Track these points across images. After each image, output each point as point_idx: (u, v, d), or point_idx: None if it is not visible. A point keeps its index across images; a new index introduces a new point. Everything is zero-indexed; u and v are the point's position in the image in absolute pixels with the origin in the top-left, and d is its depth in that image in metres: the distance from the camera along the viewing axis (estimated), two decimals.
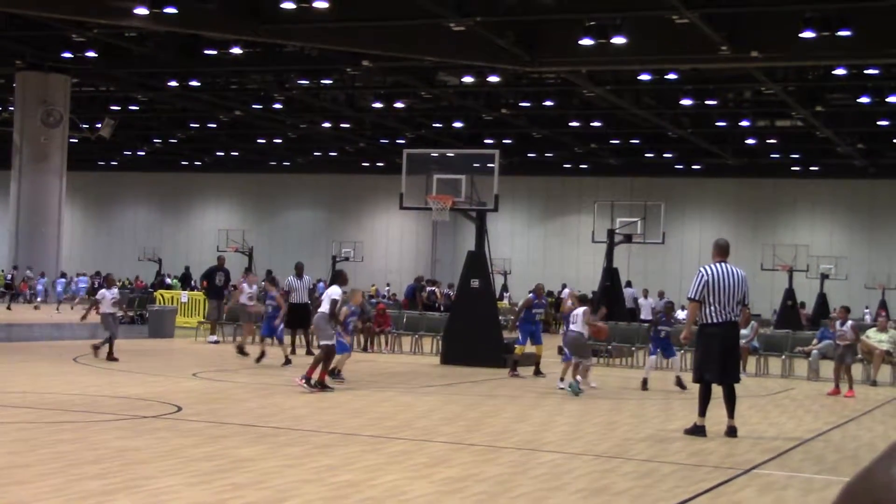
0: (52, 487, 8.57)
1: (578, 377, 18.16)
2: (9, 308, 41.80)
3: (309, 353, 25.11)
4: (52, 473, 9.15)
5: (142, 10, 29.71)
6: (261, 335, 23.29)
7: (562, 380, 18.62)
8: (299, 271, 26.09)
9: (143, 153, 67.49)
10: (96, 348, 21.21)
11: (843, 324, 21.61)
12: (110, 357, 21.00)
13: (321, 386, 16.58)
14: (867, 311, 50.90)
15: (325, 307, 17.18)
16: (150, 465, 9.77)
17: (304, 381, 16.56)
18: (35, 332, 27.76)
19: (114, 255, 69.54)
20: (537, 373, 21.55)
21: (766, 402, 18.49)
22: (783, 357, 25.22)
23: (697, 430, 13.40)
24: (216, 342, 27.55)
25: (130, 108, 52.27)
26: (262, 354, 22.11)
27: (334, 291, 17.31)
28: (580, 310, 18.52)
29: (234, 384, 17.61)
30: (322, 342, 17.11)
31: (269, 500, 8.45)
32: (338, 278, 18.12)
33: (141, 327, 31.60)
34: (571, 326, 18.63)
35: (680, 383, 19.50)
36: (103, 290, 22.18)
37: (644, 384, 19.72)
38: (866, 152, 53.28)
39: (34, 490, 8.46)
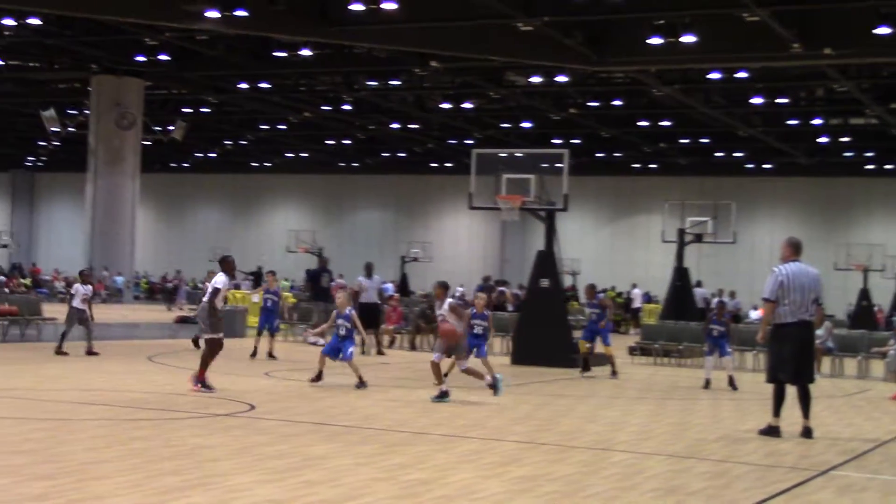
0: (130, 483, 8.68)
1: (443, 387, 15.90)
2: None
3: (380, 352, 25.25)
4: (130, 469, 9.27)
5: (213, 13, 30.01)
6: (257, 329, 23.25)
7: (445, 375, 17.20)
8: (369, 271, 26.21)
9: (214, 155, 68.16)
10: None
11: None
12: (59, 351, 21.16)
13: (203, 385, 15.61)
14: None
15: (206, 297, 15.80)
16: (225, 462, 9.85)
17: (198, 385, 15.57)
18: (111, 331, 28.12)
19: (185, 255, 70.35)
20: (613, 374, 21.41)
21: (842, 403, 18.24)
22: (859, 358, 24.88)
23: (772, 431, 13.26)
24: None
25: (202, 110, 52.81)
26: (255, 352, 22.28)
27: (218, 280, 15.81)
28: (446, 303, 16.40)
29: (305, 383, 17.71)
30: (206, 336, 15.97)
31: (341, 497, 8.48)
32: (223, 264, 16.16)
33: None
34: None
35: (732, 383, 19.31)
36: (77, 285, 22.33)
37: (707, 384, 19.62)
38: None
39: (112, 485, 8.57)
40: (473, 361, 17.09)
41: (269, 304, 23.04)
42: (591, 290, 22.86)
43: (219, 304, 15.85)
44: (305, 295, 39.87)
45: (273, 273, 25.24)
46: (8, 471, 9.10)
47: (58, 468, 9.26)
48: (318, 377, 17.43)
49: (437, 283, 17.17)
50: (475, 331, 18.00)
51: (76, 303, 21.77)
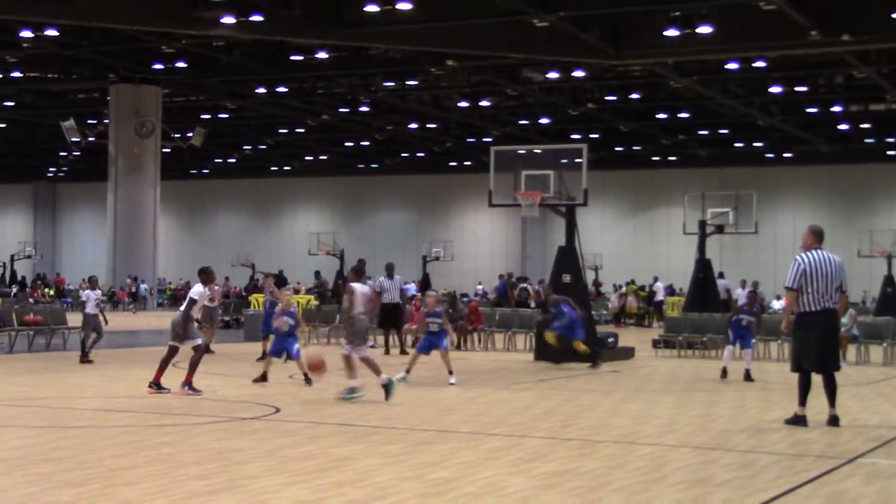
0: (158, 487, 8.72)
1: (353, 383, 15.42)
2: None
3: (403, 352, 25.25)
4: (157, 474, 9.32)
5: (229, 19, 30.12)
6: (262, 334, 23.25)
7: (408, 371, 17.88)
8: (390, 271, 26.22)
9: (234, 160, 68.39)
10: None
11: None
12: (84, 360, 21.30)
13: (190, 388, 15.77)
14: None
15: (182, 307, 16.15)
16: (252, 465, 9.88)
17: (185, 388, 15.73)
18: (137, 338, 28.28)
19: (207, 260, 70.14)
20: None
21: (868, 391, 18.17)
22: (884, 345, 24.76)
23: (798, 420, 13.21)
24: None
25: (220, 116, 52.99)
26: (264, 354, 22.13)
27: (195, 290, 16.15)
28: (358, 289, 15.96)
29: (329, 385, 17.75)
30: (187, 343, 16.04)
31: (368, 497, 8.50)
32: (201, 275, 16.49)
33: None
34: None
35: (748, 377, 19.19)
36: (87, 291, 22.46)
37: (724, 373, 19.45)
38: None
39: (140, 490, 8.61)
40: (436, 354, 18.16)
41: (267, 306, 23.12)
42: (549, 289, 23.07)
43: (195, 314, 16.24)
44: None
45: (270, 275, 25.31)
46: (38, 478, 9.16)
47: (86, 475, 9.31)
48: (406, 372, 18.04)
49: (351, 268, 17.54)
50: (431, 328, 18.32)
51: (89, 309, 21.92)
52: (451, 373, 18.04)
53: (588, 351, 22.17)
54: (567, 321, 22.02)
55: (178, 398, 15.46)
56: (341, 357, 15.76)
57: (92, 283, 23.11)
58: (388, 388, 15.27)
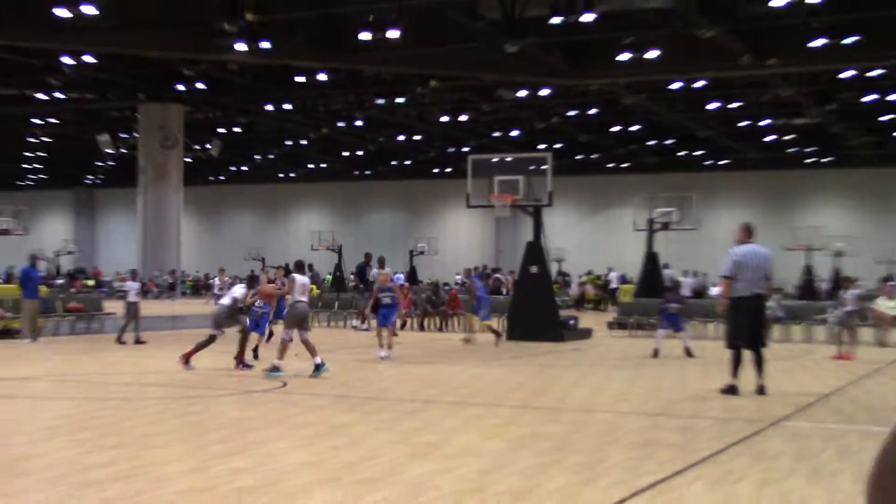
0: (183, 451, 8.74)
1: (276, 362, 15.24)
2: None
3: (393, 334, 25.22)
4: (183, 440, 9.33)
5: (242, 47, 30.02)
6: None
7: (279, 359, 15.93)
8: (381, 264, 26.17)
9: (246, 168, 68.18)
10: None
11: (845, 292, 21.40)
12: (119, 341, 21.28)
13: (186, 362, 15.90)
14: (860, 282, 49.95)
15: (227, 303, 16.29)
16: (263, 431, 9.91)
17: (181, 359, 15.91)
18: (162, 323, 28.19)
19: (224, 255, 70.25)
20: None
21: (791, 364, 18.28)
22: (804, 324, 24.91)
23: (731, 390, 13.30)
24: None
25: (234, 130, 52.80)
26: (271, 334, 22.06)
27: (239, 292, 16.64)
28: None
29: (329, 363, 17.76)
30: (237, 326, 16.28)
31: (363, 458, 8.54)
32: (251, 280, 17.56)
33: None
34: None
35: (689, 353, 19.21)
36: (129, 283, 22.29)
37: (655, 353, 19.36)
38: (873, 144, 52.36)
39: (168, 453, 8.63)
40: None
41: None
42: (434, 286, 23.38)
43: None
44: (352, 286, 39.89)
45: (281, 267, 25.13)
46: (80, 442, 9.18)
47: (122, 440, 9.33)
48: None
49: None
50: (384, 301, 18.43)
51: (131, 298, 21.84)
52: (389, 347, 18.04)
53: (488, 329, 22.74)
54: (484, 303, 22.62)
55: (198, 374, 15.45)
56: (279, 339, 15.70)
57: (133, 275, 22.96)
58: (318, 368, 15.02)
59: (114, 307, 27.62)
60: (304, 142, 56.43)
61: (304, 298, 15.66)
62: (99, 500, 6.91)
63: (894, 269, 51.97)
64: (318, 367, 15.04)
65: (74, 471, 7.89)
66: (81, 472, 7.85)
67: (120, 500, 6.93)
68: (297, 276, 15.77)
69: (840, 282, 24.31)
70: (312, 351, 15.17)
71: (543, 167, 24.64)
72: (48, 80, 41.36)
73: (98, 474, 7.74)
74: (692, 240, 53.38)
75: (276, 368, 15.09)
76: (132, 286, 21.94)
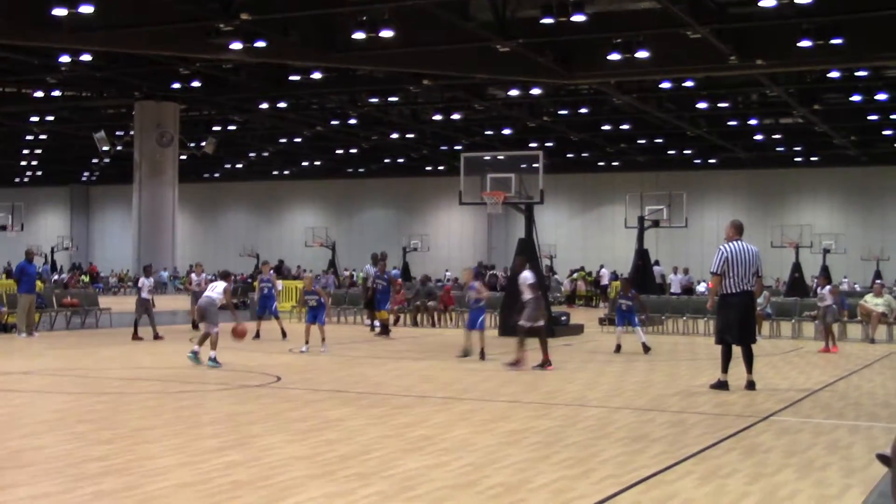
0: (176, 445, 8.69)
1: (196, 347, 15.87)
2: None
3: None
4: (176, 434, 9.28)
5: (236, 45, 29.92)
6: (256, 314, 23.35)
7: (199, 345, 16.06)
8: (374, 260, 26.13)
9: (241, 166, 68.01)
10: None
11: (822, 288, 21.45)
12: (135, 337, 21.08)
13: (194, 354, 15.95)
14: (845, 279, 50.23)
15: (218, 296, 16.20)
16: (257, 425, 9.86)
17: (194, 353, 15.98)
18: (158, 318, 28.02)
19: (219, 252, 70.22)
20: (385, 332, 23.24)
21: (779, 360, 18.28)
22: (793, 321, 24.93)
23: (721, 385, 13.28)
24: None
25: (229, 128, 52.67)
26: (258, 334, 21.91)
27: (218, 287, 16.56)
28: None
29: (322, 357, 17.71)
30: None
31: (356, 452, 8.49)
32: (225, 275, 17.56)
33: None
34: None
35: (645, 348, 19.15)
36: (142, 279, 22.07)
37: (617, 348, 19.42)
38: (859, 143, 52.45)
39: (162, 448, 8.58)
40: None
41: (265, 291, 23.07)
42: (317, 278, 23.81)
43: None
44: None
45: (267, 263, 25.29)
46: (75, 436, 9.13)
47: (116, 434, 9.27)
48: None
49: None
50: (310, 304, 18.92)
51: (144, 294, 21.64)
52: (323, 340, 18.57)
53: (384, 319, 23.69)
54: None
55: (193, 369, 15.38)
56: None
57: (146, 271, 22.55)
58: (193, 356, 15.69)
59: (109, 303, 27.55)
60: (298, 139, 56.32)
61: (213, 294, 16.14)
62: (93, 493, 6.85)
63: (881, 267, 52.21)
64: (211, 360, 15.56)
65: (70, 464, 7.83)
66: (77, 465, 7.80)
67: (114, 493, 6.87)
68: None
69: (819, 279, 24.42)
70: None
71: (535, 165, 24.59)
72: (45, 78, 41.22)
73: (93, 468, 7.68)
74: (682, 237, 53.56)
75: (195, 355, 15.71)
76: (145, 283, 21.77)
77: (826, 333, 20.57)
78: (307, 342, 18.77)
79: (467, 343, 17.57)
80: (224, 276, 17.56)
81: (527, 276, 16.26)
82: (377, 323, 24.34)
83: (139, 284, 22.16)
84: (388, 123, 49.93)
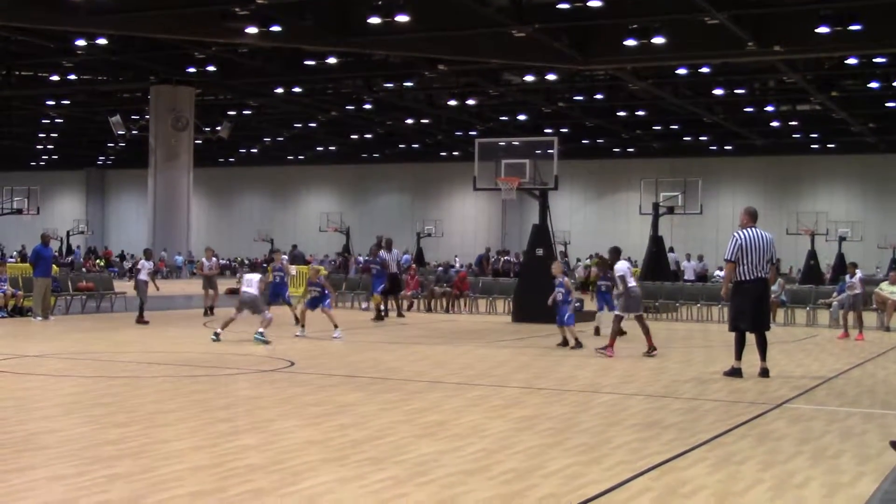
0: (191, 429, 8.73)
1: (262, 329, 16.97)
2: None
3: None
4: (190, 417, 9.32)
5: (252, 30, 29.95)
6: (266, 301, 23.31)
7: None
8: (388, 246, 26.19)
9: (256, 150, 68.10)
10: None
11: (851, 276, 21.35)
12: (140, 321, 21.09)
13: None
14: (878, 269, 49.95)
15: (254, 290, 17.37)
16: (271, 410, 9.89)
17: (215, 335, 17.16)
18: (172, 302, 28.22)
19: (233, 237, 70.44)
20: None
21: (794, 348, 18.24)
22: (808, 308, 24.86)
23: (735, 372, 13.27)
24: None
25: (244, 112, 52.74)
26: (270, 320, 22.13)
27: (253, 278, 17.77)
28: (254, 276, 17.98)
29: (335, 343, 17.75)
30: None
31: (369, 437, 8.52)
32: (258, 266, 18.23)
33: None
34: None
35: (596, 332, 19.59)
36: (142, 261, 22.19)
37: (596, 331, 19.76)
38: (877, 130, 52.13)
39: (176, 431, 8.62)
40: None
41: (276, 279, 23.07)
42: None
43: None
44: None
45: (278, 251, 25.30)
46: (90, 419, 9.18)
47: (130, 417, 9.32)
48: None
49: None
50: (313, 294, 19.10)
51: (142, 276, 21.75)
52: (336, 326, 18.46)
53: (377, 303, 23.98)
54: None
55: (207, 353, 15.45)
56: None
57: (147, 254, 22.91)
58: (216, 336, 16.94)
59: (125, 287, 27.66)
60: (313, 124, 56.34)
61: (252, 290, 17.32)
62: (108, 476, 6.89)
63: None
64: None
65: (85, 447, 7.89)
66: (92, 448, 7.85)
67: (129, 476, 6.91)
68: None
69: (847, 267, 24.28)
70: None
71: (550, 151, 24.53)
72: (61, 62, 41.32)
73: (108, 451, 7.73)
74: (697, 224, 53.40)
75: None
76: (145, 265, 21.87)
77: (857, 320, 20.52)
78: (303, 326, 19.06)
79: (563, 335, 17.50)
80: (254, 267, 18.37)
81: (621, 267, 16.21)
82: (395, 308, 24.49)
83: (139, 266, 22.29)
84: (402, 108, 49.86)
